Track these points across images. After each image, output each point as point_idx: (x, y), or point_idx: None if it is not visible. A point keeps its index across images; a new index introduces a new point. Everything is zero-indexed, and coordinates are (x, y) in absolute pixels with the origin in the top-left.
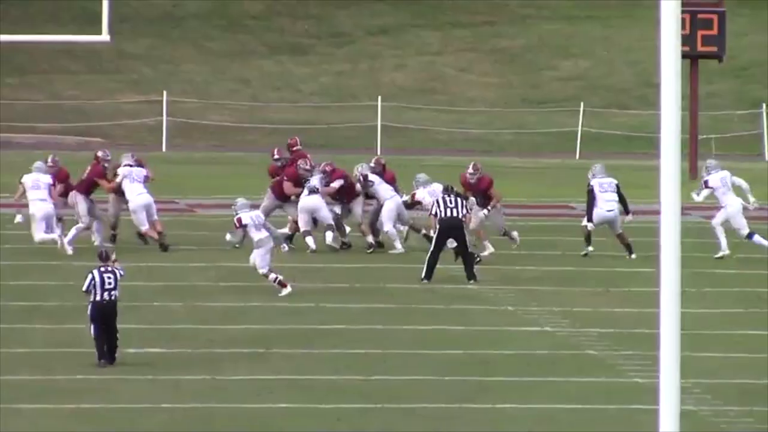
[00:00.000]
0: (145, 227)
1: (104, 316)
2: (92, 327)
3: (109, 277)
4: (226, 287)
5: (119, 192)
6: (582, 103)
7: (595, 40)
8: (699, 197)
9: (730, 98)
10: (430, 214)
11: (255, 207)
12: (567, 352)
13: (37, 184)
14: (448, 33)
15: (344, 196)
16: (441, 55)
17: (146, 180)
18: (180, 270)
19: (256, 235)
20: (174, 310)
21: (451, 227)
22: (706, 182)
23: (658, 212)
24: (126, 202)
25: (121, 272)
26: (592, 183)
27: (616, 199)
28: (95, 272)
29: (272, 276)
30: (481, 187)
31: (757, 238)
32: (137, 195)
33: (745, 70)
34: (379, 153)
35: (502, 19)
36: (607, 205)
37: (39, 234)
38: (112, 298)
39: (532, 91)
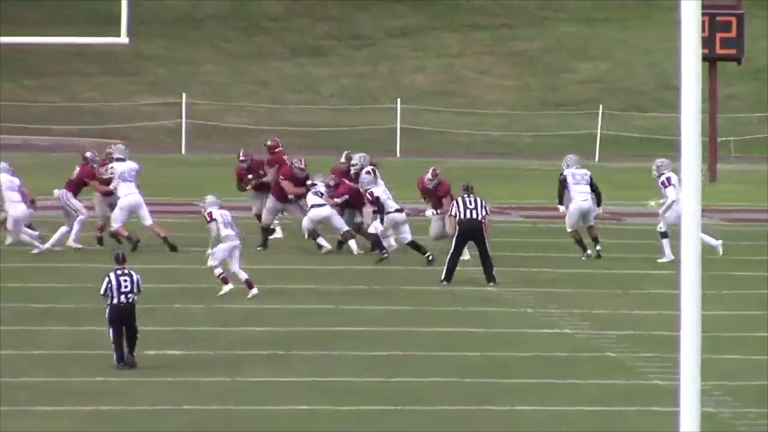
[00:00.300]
0: (117, 225)
1: (122, 319)
2: (111, 330)
3: (125, 280)
4: (245, 289)
5: (106, 192)
6: (601, 106)
7: (613, 42)
8: (670, 198)
9: (748, 101)
10: (450, 214)
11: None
12: (586, 354)
13: (12, 185)
14: (467, 35)
15: (354, 204)
16: (460, 58)
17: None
18: (198, 272)
19: (224, 231)
20: (193, 312)
21: (471, 228)
22: (669, 179)
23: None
24: (111, 202)
25: (139, 277)
26: (565, 173)
27: (589, 190)
28: (111, 275)
29: (218, 271)
30: (439, 193)
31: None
32: (128, 194)
33: (762, 73)
34: (398, 155)
35: (520, 21)
36: (580, 196)
37: (21, 235)
38: (129, 300)
39: (551, 94)
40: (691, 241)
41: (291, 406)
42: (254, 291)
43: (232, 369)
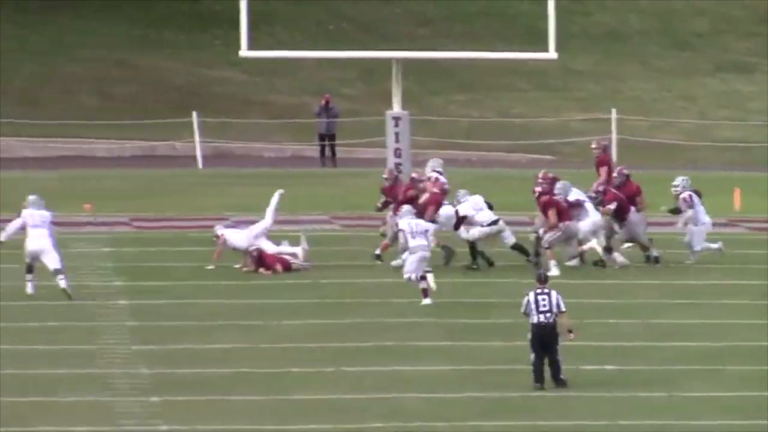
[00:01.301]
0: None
1: (541, 338)
2: (531, 348)
3: (543, 299)
4: (674, 305)
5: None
6: None
7: None
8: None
9: None
10: None
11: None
12: None
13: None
14: None
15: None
16: None
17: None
18: (630, 287)
19: (412, 242)
20: (628, 327)
21: None
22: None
23: None
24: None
25: (559, 297)
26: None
27: None
28: (531, 294)
29: (418, 282)
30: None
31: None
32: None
33: None
34: None
35: None
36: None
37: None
38: (549, 320)
39: None
40: None
41: (724, 420)
42: (428, 301)
43: (668, 384)
